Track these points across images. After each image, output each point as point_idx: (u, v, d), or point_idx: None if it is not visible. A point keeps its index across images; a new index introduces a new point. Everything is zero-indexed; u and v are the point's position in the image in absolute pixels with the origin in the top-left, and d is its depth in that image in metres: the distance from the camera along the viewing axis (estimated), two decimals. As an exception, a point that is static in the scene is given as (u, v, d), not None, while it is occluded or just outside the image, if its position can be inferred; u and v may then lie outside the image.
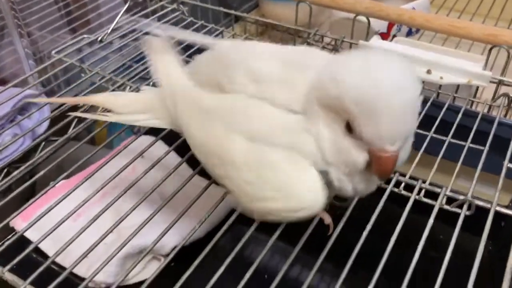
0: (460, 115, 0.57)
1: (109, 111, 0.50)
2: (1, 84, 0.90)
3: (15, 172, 0.55)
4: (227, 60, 0.44)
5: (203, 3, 0.81)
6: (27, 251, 0.45)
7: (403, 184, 0.48)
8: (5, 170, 0.59)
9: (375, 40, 0.67)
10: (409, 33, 0.88)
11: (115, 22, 0.66)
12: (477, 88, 0.63)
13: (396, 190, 0.48)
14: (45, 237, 0.46)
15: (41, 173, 0.53)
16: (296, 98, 0.38)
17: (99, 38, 0.66)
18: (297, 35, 0.76)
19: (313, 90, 0.37)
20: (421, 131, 0.54)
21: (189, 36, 0.53)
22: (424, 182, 0.48)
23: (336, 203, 0.47)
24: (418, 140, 0.53)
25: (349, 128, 0.34)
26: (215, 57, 0.46)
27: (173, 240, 0.57)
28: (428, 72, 0.62)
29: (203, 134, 0.42)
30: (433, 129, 0.55)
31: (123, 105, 0.49)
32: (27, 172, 0.57)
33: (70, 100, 0.58)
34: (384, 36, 0.85)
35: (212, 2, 0.89)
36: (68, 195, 0.50)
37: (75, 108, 0.62)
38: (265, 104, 0.39)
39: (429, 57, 0.62)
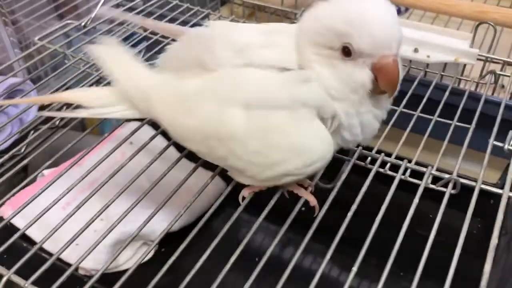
0: (447, 94, 0.56)
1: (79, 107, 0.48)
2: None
3: (3, 160, 0.54)
4: (205, 39, 0.43)
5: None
6: (14, 238, 0.44)
7: (388, 165, 0.48)
8: None
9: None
10: (397, 12, 0.87)
11: (98, 7, 0.65)
12: (465, 66, 0.63)
13: (381, 170, 0.48)
14: (32, 224, 0.46)
15: (26, 160, 0.53)
16: (284, 56, 0.39)
17: (83, 24, 0.64)
18: (284, 16, 0.76)
19: (301, 38, 0.38)
20: (408, 111, 0.54)
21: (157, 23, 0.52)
22: (409, 161, 0.48)
23: (322, 185, 0.47)
24: (405, 119, 0.53)
25: (346, 52, 0.36)
26: (191, 41, 0.45)
27: (163, 225, 0.57)
28: (415, 50, 0.61)
29: (194, 121, 0.41)
30: (420, 108, 0.54)
31: (94, 99, 0.47)
32: (17, 162, 0.56)
33: (37, 100, 0.57)
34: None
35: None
36: (54, 182, 0.49)
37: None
38: (255, 69, 0.39)
39: (416, 36, 0.62)
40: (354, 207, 0.42)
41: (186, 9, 0.74)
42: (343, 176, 0.46)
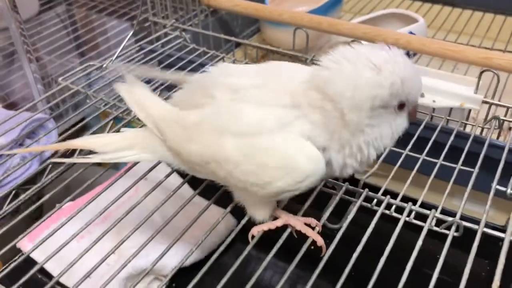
0: (452, 137, 0.58)
1: (92, 152, 0.52)
2: (11, 108, 0.93)
3: (23, 195, 0.56)
4: (204, 84, 0.47)
5: (205, 30, 0.83)
6: (32, 271, 0.46)
7: (394, 207, 0.49)
8: (13, 192, 0.60)
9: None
10: (407, 56, 0.90)
11: (119, 50, 0.69)
12: (470, 110, 0.65)
13: (387, 212, 0.49)
14: (49, 258, 0.48)
15: (47, 196, 0.55)
16: (275, 99, 0.43)
17: (104, 65, 0.68)
18: (296, 59, 0.79)
19: (328, 106, 0.41)
20: (414, 154, 0.56)
21: (161, 74, 0.56)
22: (414, 203, 0.49)
23: (329, 225, 0.48)
24: (411, 161, 0.55)
25: (401, 107, 0.42)
26: (192, 86, 0.49)
27: (174, 260, 0.59)
28: (422, 95, 0.63)
29: (196, 147, 0.45)
30: (425, 151, 0.56)
31: (106, 144, 0.51)
32: (35, 194, 0.59)
33: (50, 147, 0.60)
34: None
35: (214, 28, 0.92)
36: (72, 217, 0.52)
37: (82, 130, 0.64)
38: (248, 103, 0.43)
39: (422, 81, 0.64)
40: (359, 247, 0.44)
41: (202, 52, 0.78)
42: (350, 217, 0.47)
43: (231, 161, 0.43)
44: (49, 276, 0.60)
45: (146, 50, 0.75)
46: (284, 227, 0.48)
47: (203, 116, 0.45)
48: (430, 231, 0.46)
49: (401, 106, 0.42)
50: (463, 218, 0.47)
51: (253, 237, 0.48)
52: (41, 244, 0.49)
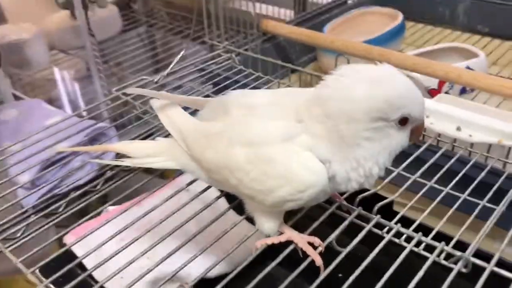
0: (483, 173, 0.56)
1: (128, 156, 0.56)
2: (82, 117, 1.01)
3: (76, 195, 0.62)
4: (223, 105, 0.51)
5: (263, 55, 0.86)
6: (72, 264, 0.50)
7: (404, 236, 0.49)
8: (71, 193, 0.65)
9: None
10: (462, 91, 0.88)
11: (170, 67, 0.73)
12: (510, 148, 0.62)
13: (396, 240, 0.48)
14: (89, 254, 0.52)
15: (98, 194, 0.60)
16: (285, 114, 0.45)
17: (155, 80, 0.73)
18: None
19: (330, 117, 0.43)
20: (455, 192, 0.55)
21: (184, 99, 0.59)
22: (425, 234, 0.48)
23: (335, 247, 0.48)
24: (434, 193, 0.53)
25: (403, 122, 0.42)
26: (215, 104, 0.54)
27: (200, 270, 0.61)
28: (458, 129, 0.62)
29: (213, 155, 0.48)
30: (451, 185, 0.55)
31: (136, 150, 0.56)
32: (92, 196, 0.63)
33: (93, 148, 0.67)
34: (435, 93, 0.85)
35: (271, 54, 0.94)
36: (113, 219, 0.56)
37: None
38: (258, 118, 0.47)
39: (459, 114, 0.63)
40: (358, 271, 0.44)
41: (258, 77, 0.80)
42: (355, 242, 0.47)
43: (240, 169, 0.46)
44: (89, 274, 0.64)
45: (198, 68, 0.79)
46: (288, 242, 0.49)
47: (221, 128, 0.48)
48: (434, 263, 0.45)
49: (403, 121, 0.42)
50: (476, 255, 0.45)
51: (256, 249, 0.49)
52: (82, 241, 0.54)
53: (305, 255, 0.48)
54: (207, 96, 0.74)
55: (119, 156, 0.58)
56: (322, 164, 0.43)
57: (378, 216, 0.51)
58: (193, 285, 0.60)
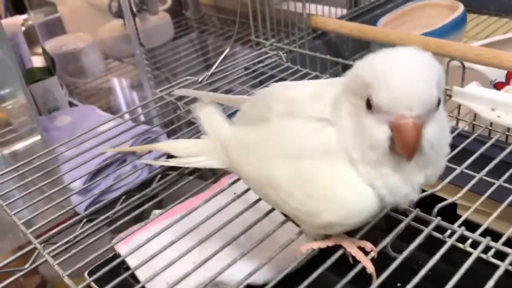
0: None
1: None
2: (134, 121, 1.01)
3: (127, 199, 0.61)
4: (264, 98, 0.47)
5: (312, 51, 0.83)
6: (124, 275, 0.48)
7: (469, 241, 0.43)
8: (123, 197, 0.64)
9: (472, 87, 0.62)
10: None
11: (214, 67, 0.72)
12: None
13: (460, 245, 0.43)
14: (142, 265, 0.50)
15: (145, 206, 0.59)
16: (324, 107, 0.40)
17: (199, 80, 0.71)
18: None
19: (342, 86, 0.38)
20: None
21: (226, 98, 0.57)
22: (495, 239, 0.42)
23: (390, 252, 0.44)
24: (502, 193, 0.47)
25: (369, 105, 0.35)
26: (256, 101, 0.50)
27: (244, 274, 0.58)
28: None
29: (252, 170, 0.45)
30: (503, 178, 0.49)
31: (180, 149, 0.54)
32: (145, 200, 0.62)
33: (140, 148, 0.65)
34: (502, 86, 0.78)
35: (321, 51, 0.90)
36: (166, 229, 0.54)
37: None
38: (297, 120, 0.41)
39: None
40: (416, 279, 0.39)
41: (306, 73, 0.77)
42: (412, 247, 0.42)
43: (282, 187, 0.41)
44: (136, 279, 0.63)
45: (243, 67, 0.77)
46: (338, 247, 0.45)
47: (259, 138, 0.45)
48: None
49: (368, 103, 0.35)
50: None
51: (301, 254, 0.46)
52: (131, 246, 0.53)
53: (356, 261, 0.43)
54: (253, 95, 0.71)
55: (168, 156, 0.57)
56: (368, 188, 0.38)
57: (439, 218, 0.45)
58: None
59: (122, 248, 0.67)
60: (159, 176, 0.66)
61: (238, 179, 0.57)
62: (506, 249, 0.42)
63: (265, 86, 0.71)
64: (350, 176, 0.38)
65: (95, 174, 0.76)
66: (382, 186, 0.37)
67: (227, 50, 0.72)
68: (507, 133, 0.58)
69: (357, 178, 0.37)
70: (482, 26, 1.07)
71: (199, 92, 0.57)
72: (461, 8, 0.97)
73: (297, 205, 0.41)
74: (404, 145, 0.34)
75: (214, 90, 0.72)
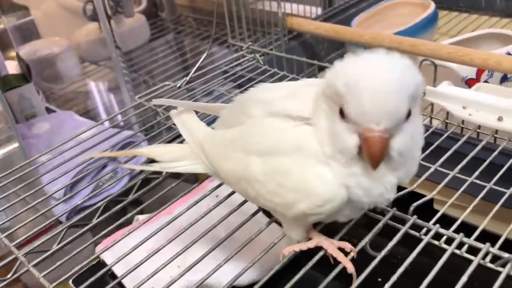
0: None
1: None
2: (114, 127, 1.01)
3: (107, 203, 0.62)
4: (242, 103, 0.49)
5: (287, 53, 0.84)
6: (102, 271, 0.49)
7: (444, 237, 0.45)
8: (105, 204, 0.64)
9: (444, 86, 0.64)
10: (504, 79, 0.82)
11: (192, 71, 0.72)
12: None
13: (436, 242, 0.45)
14: (118, 261, 0.51)
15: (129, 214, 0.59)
16: (301, 106, 0.42)
17: (178, 85, 0.72)
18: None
19: (320, 88, 0.40)
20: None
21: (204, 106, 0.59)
22: (467, 235, 0.44)
23: (369, 251, 0.45)
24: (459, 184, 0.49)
25: (341, 113, 0.37)
26: (234, 106, 0.51)
27: (230, 277, 0.59)
28: (499, 119, 0.57)
29: (231, 165, 0.46)
30: (494, 179, 0.50)
31: (163, 154, 0.55)
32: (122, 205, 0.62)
33: (122, 154, 0.65)
34: (473, 83, 0.80)
35: (297, 52, 0.91)
36: (141, 226, 0.55)
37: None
38: (275, 119, 0.43)
39: (501, 104, 0.58)
40: (394, 277, 0.41)
41: (284, 76, 0.78)
42: (390, 245, 0.44)
43: (257, 181, 0.43)
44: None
45: (221, 70, 0.77)
46: (317, 248, 0.46)
47: (236, 135, 0.46)
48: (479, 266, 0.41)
49: (341, 111, 0.37)
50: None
51: (283, 256, 0.47)
52: (114, 249, 0.54)
53: (337, 262, 0.45)
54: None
55: (150, 162, 0.57)
56: (337, 175, 0.39)
57: (415, 217, 0.47)
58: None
59: (106, 254, 0.67)
60: (139, 182, 0.67)
61: (222, 183, 0.58)
62: (479, 244, 0.44)
63: (244, 89, 0.73)
64: (322, 170, 0.39)
65: (76, 182, 0.76)
66: (356, 185, 0.39)
67: (204, 55, 0.73)
68: (478, 130, 0.60)
69: (328, 172, 0.39)
70: (454, 22, 1.10)
71: (176, 101, 0.57)
72: (432, 6, 0.99)
73: (271, 197, 0.43)
74: (370, 156, 0.36)
75: (194, 95, 0.72)
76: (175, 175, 0.60)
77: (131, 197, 0.62)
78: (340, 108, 0.37)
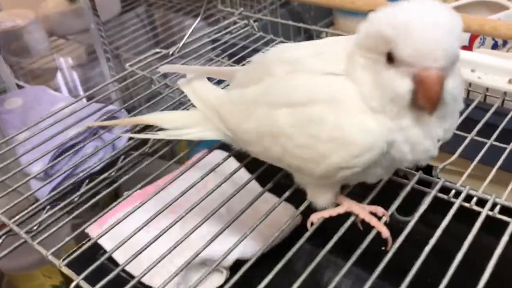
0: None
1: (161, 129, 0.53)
2: (89, 100, 0.96)
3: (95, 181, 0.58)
4: (264, 62, 0.46)
5: (275, 18, 0.81)
6: (101, 259, 0.46)
7: (475, 199, 0.44)
8: (87, 181, 0.61)
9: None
10: (494, 46, 0.82)
11: (185, 38, 0.68)
12: None
13: (467, 205, 0.43)
14: (119, 247, 0.48)
15: (116, 184, 0.56)
16: (331, 64, 0.39)
17: (170, 52, 0.68)
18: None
19: (354, 43, 0.38)
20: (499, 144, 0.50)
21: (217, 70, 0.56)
22: (498, 197, 0.43)
23: (398, 217, 0.44)
24: (494, 155, 0.48)
25: (390, 59, 0.35)
26: (253, 65, 0.49)
27: (235, 252, 0.57)
28: (510, 81, 0.57)
29: (251, 123, 0.44)
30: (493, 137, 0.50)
31: (172, 121, 0.52)
32: (107, 184, 0.60)
33: (124, 122, 0.61)
34: (466, 49, 0.80)
35: (285, 18, 0.89)
36: (140, 206, 0.51)
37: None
38: (304, 74, 0.41)
39: (511, 67, 0.57)
40: (428, 248, 0.39)
41: (270, 40, 0.75)
42: (422, 208, 0.42)
43: (284, 134, 0.40)
44: (116, 264, 0.60)
45: (211, 39, 0.74)
46: (347, 215, 0.44)
47: (259, 91, 0.44)
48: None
49: (389, 57, 0.35)
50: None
51: (312, 224, 0.45)
52: (108, 231, 0.49)
53: (366, 227, 0.43)
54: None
55: (149, 129, 0.54)
56: (377, 123, 0.37)
57: (443, 179, 0.46)
58: (232, 266, 0.57)
59: (97, 232, 0.63)
60: (122, 157, 0.63)
61: (212, 155, 0.56)
62: (487, 196, 0.43)
63: (241, 57, 0.70)
64: (364, 118, 0.37)
65: (56, 157, 0.71)
66: (403, 140, 0.37)
67: (197, 21, 0.69)
68: (486, 93, 0.60)
69: (371, 121, 0.37)
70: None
71: (186, 67, 0.54)
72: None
73: (300, 151, 0.40)
74: (428, 98, 0.34)
75: (187, 64, 0.69)
76: (155, 151, 0.58)
77: (114, 172, 0.59)
78: (387, 53, 0.35)
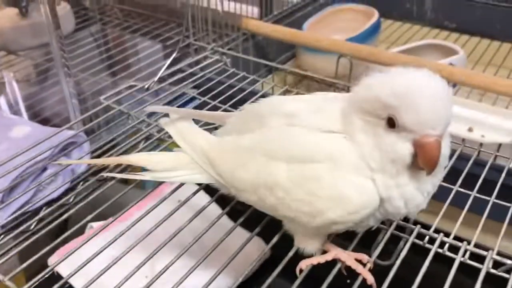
0: (503, 175, 0.56)
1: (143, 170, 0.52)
2: (44, 123, 0.93)
3: (49, 210, 0.58)
4: (258, 112, 0.47)
5: (245, 54, 0.83)
6: (57, 285, 0.45)
7: (447, 245, 0.47)
8: (44, 208, 0.60)
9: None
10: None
11: (160, 72, 0.69)
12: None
13: (440, 251, 0.47)
14: (76, 272, 0.47)
15: (73, 210, 0.55)
16: (329, 122, 0.42)
17: (146, 86, 0.68)
18: (335, 86, 0.78)
19: (350, 105, 0.40)
20: (464, 190, 0.54)
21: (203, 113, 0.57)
22: (469, 243, 0.47)
23: (379, 262, 0.47)
24: (462, 198, 0.53)
25: (391, 124, 0.38)
26: (247, 114, 0.50)
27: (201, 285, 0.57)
28: (470, 130, 0.62)
29: (247, 173, 0.45)
30: (476, 188, 0.54)
31: (159, 163, 0.51)
32: (65, 210, 0.58)
33: (108, 161, 0.59)
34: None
35: (250, 53, 0.91)
36: (108, 246, 0.50)
37: (113, 148, 0.64)
38: (302, 129, 0.43)
39: (470, 115, 0.63)
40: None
41: (242, 77, 0.77)
42: (402, 254, 0.46)
43: (282, 187, 0.42)
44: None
45: (186, 74, 0.74)
46: (333, 261, 0.46)
47: (256, 140, 0.45)
48: (487, 274, 0.44)
49: (390, 122, 0.38)
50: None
51: (301, 271, 0.46)
52: (71, 261, 0.49)
53: (351, 274, 0.45)
54: (205, 102, 0.70)
55: (130, 169, 0.54)
56: (372, 184, 0.40)
57: (418, 226, 0.49)
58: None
59: (61, 266, 0.61)
60: (81, 183, 0.63)
61: (180, 186, 0.56)
62: (458, 243, 0.47)
63: (217, 93, 0.71)
64: (362, 180, 0.40)
65: (14, 186, 0.69)
66: (399, 196, 0.40)
67: (174, 55, 0.69)
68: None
69: (369, 182, 0.40)
70: (389, 31, 1.16)
71: (176, 109, 0.54)
72: (376, 13, 1.04)
73: (297, 205, 0.42)
74: (428, 161, 0.38)
75: (165, 98, 0.69)
76: (122, 180, 0.57)
77: (73, 201, 0.58)
78: (388, 118, 0.38)
